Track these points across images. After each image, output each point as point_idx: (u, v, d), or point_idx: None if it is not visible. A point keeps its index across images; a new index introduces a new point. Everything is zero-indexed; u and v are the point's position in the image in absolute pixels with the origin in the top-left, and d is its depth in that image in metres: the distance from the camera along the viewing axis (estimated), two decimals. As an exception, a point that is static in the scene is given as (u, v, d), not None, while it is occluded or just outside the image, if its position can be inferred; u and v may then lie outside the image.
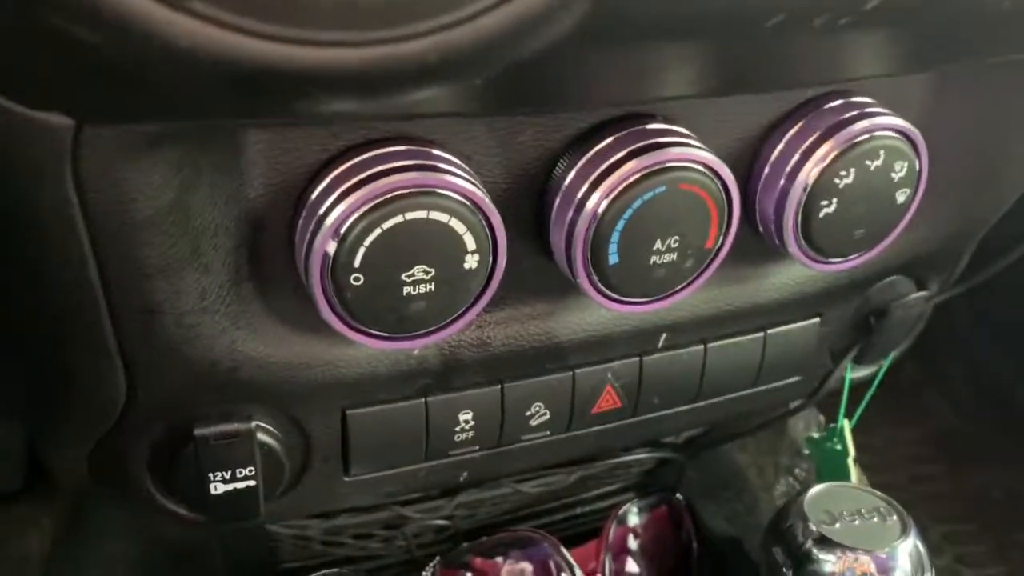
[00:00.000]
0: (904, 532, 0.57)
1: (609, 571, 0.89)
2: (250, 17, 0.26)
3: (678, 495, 0.95)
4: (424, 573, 0.86)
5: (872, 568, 0.56)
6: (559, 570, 0.88)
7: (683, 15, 0.37)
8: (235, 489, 0.56)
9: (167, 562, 0.91)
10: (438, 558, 0.87)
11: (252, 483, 0.56)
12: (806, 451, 0.89)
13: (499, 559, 0.88)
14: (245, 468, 0.56)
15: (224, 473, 0.56)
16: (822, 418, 0.91)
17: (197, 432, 0.54)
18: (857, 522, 0.58)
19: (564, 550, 0.88)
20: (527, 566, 0.88)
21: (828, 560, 0.56)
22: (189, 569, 0.90)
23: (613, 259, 0.53)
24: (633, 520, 0.92)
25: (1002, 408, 1.32)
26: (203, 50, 0.27)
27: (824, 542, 0.57)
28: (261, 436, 0.56)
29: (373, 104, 0.36)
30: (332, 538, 0.84)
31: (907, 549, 0.57)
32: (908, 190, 0.58)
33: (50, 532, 0.95)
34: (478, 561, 0.88)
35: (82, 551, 0.92)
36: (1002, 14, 0.45)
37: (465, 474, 0.65)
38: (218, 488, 0.56)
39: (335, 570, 0.75)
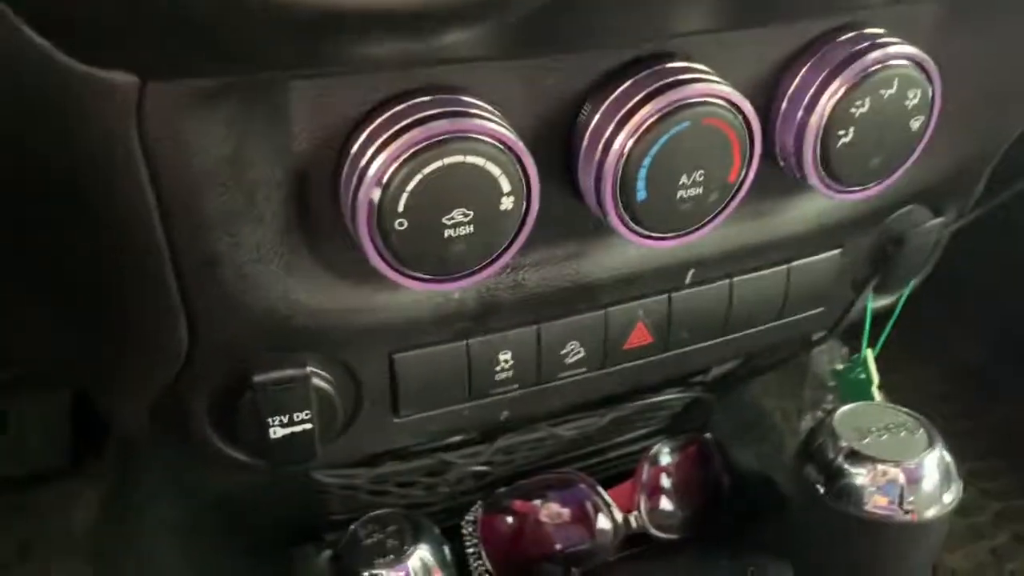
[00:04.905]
0: (931, 444, 0.60)
1: (644, 509, 0.92)
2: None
3: (707, 434, 0.98)
4: (468, 516, 0.90)
5: (902, 479, 0.59)
6: (596, 510, 0.91)
7: None
8: (292, 433, 0.60)
9: (217, 525, 0.94)
10: (480, 502, 0.90)
11: (308, 426, 0.60)
12: (831, 383, 0.91)
13: (538, 501, 0.91)
14: (302, 412, 0.59)
15: (282, 418, 0.59)
16: (845, 350, 0.93)
17: (256, 379, 0.57)
18: (885, 437, 0.61)
19: (601, 490, 0.91)
20: (566, 506, 0.92)
21: (859, 473, 0.59)
22: (238, 531, 0.94)
23: (641, 195, 0.55)
24: (665, 460, 0.95)
25: (1023, 344, 1.33)
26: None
27: (855, 456, 0.59)
28: (315, 381, 0.59)
29: (421, 45, 0.39)
30: (377, 487, 0.88)
31: (935, 460, 0.59)
32: (922, 117, 0.60)
33: (96, 506, 0.98)
34: (518, 504, 0.91)
35: (130, 521, 0.96)
36: None
37: (506, 412, 0.68)
38: (277, 432, 0.59)
39: (383, 511, 0.79)
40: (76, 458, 1.03)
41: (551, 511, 0.91)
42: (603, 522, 0.90)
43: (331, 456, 0.66)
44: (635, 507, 0.92)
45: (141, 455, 0.95)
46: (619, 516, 0.90)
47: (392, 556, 0.74)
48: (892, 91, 0.58)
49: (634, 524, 0.91)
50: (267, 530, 0.92)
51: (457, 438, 0.83)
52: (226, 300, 0.52)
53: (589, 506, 0.91)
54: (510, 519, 0.91)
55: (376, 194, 0.49)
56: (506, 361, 0.64)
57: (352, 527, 0.77)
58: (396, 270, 0.52)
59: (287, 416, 0.59)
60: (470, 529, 0.90)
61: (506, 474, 0.94)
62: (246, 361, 0.57)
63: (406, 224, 0.50)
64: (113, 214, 0.46)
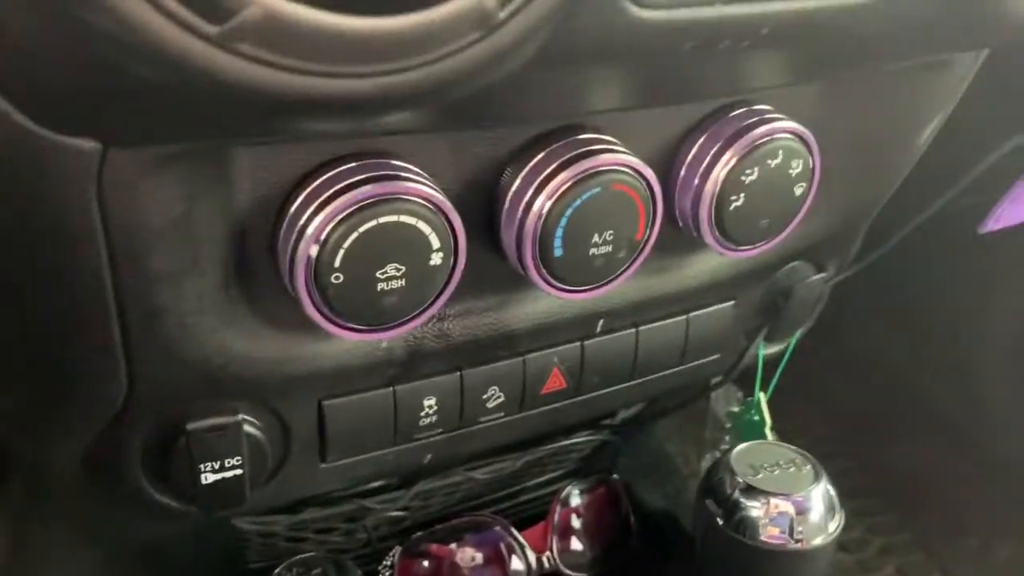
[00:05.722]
0: (817, 479, 0.66)
1: (556, 549, 0.96)
2: (289, 57, 0.33)
3: (615, 475, 1.03)
4: (385, 561, 0.92)
5: (792, 511, 0.65)
6: (510, 551, 0.94)
7: (616, 44, 0.45)
8: (223, 478, 0.61)
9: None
10: (398, 547, 0.92)
11: (239, 472, 0.61)
12: (728, 424, 0.98)
13: (454, 544, 0.94)
14: (233, 458, 0.61)
15: (213, 463, 0.61)
16: (740, 393, 1.00)
17: (190, 426, 0.59)
18: (777, 472, 0.67)
19: (515, 531, 0.94)
20: (481, 549, 0.94)
21: (754, 506, 0.65)
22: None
23: (558, 252, 0.60)
24: (575, 501, 0.99)
25: (903, 390, 1.44)
26: (248, 84, 0.33)
27: (750, 491, 0.65)
28: (247, 428, 0.61)
29: (365, 123, 0.43)
30: (296, 533, 0.89)
31: (820, 493, 0.66)
32: (804, 184, 0.68)
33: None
34: (435, 547, 0.94)
35: (36, 572, 0.93)
36: (870, 35, 0.54)
37: (430, 456, 0.71)
38: (208, 478, 0.61)
39: (306, 554, 0.80)
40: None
41: (466, 554, 0.94)
42: (517, 563, 0.94)
43: (258, 502, 0.67)
44: (548, 547, 0.95)
45: (49, 503, 0.92)
46: (532, 557, 0.94)
47: (317, 598, 0.76)
48: (778, 161, 0.65)
49: (547, 564, 0.95)
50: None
51: (377, 483, 0.86)
52: (165, 349, 0.54)
53: (503, 548, 0.94)
54: (427, 563, 0.93)
55: (314, 250, 0.52)
56: (430, 406, 0.68)
57: (277, 570, 0.78)
58: (331, 321, 0.55)
59: (219, 462, 0.61)
60: (388, 574, 0.92)
61: (423, 519, 0.96)
62: (180, 408, 0.59)
63: (342, 278, 0.53)
64: (64, 269, 0.48)
